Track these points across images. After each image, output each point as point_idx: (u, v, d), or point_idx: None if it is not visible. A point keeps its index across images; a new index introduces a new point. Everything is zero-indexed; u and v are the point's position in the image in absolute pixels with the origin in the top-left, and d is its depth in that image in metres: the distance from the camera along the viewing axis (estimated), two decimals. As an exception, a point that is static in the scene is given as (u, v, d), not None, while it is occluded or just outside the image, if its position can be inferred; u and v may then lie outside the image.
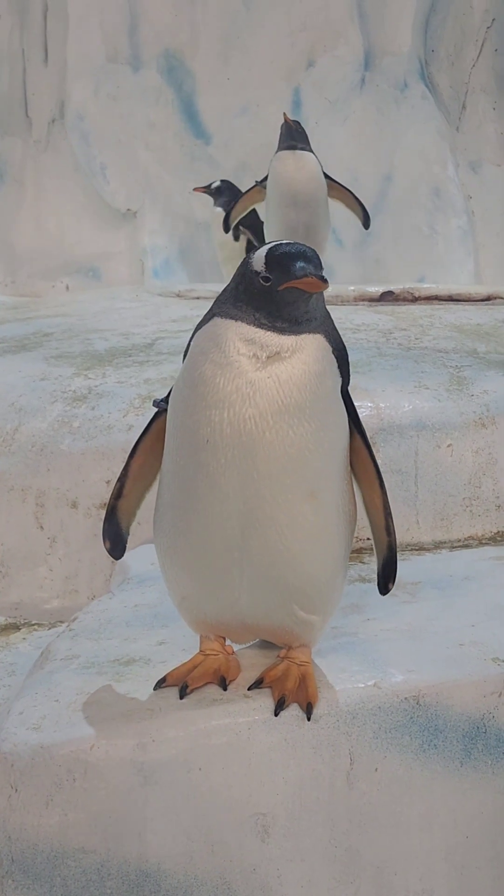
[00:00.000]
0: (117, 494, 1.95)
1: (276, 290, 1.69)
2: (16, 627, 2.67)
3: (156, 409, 1.89)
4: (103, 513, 2.74)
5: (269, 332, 1.71)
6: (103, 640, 2.14)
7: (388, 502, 1.87)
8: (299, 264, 1.67)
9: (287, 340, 1.71)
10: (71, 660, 2.06)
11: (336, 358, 1.78)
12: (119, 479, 1.94)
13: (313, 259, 1.70)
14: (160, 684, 1.90)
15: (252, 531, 1.74)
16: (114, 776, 1.77)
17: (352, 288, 4.96)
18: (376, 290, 4.88)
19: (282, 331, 1.72)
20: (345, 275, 6.44)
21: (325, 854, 1.86)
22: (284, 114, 5.26)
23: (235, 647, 1.98)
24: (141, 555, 2.61)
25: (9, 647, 2.55)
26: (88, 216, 6.60)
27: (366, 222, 5.45)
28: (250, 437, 1.70)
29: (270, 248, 1.72)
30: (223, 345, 1.72)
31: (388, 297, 4.90)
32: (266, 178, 5.34)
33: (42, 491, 2.81)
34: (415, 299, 4.78)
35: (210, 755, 1.80)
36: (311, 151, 5.23)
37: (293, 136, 5.14)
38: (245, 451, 1.70)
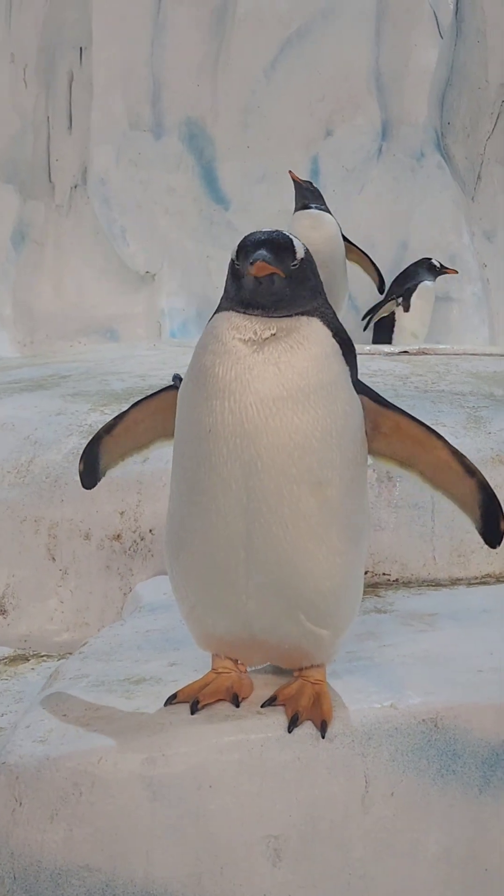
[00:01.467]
0: (107, 429, 1.97)
1: (243, 276, 1.70)
2: (24, 658, 2.62)
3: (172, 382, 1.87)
4: (116, 544, 2.75)
5: (258, 317, 1.71)
6: (114, 662, 2.10)
7: (454, 447, 1.81)
8: (257, 252, 1.67)
9: (281, 322, 1.70)
10: (80, 679, 2.02)
11: (338, 344, 1.76)
12: (114, 418, 1.96)
13: (276, 244, 1.69)
14: (171, 700, 1.86)
15: (256, 526, 1.70)
16: (121, 791, 1.72)
17: (367, 348, 4.98)
18: (392, 350, 4.90)
19: (269, 314, 1.70)
20: (360, 339, 6.49)
21: (339, 881, 1.80)
22: (290, 172, 5.32)
23: (249, 669, 1.93)
24: (154, 586, 2.59)
25: (17, 677, 2.50)
26: (108, 278, 6.69)
27: (380, 287, 5.51)
28: (252, 424, 1.67)
29: (243, 237, 1.74)
30: (220, 335, 1.72)
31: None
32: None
33: (55, 522, 2.79)
34: (430, 358, 4.80)
35: (221, 772, 1.75)
36: (328, 211, 5.28)
37: (305, 196, 5.21)
38: (248, 439, 1.67)
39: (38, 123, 7.01)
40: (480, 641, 2.18)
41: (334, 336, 1.76)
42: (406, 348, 4.98)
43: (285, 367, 1.68)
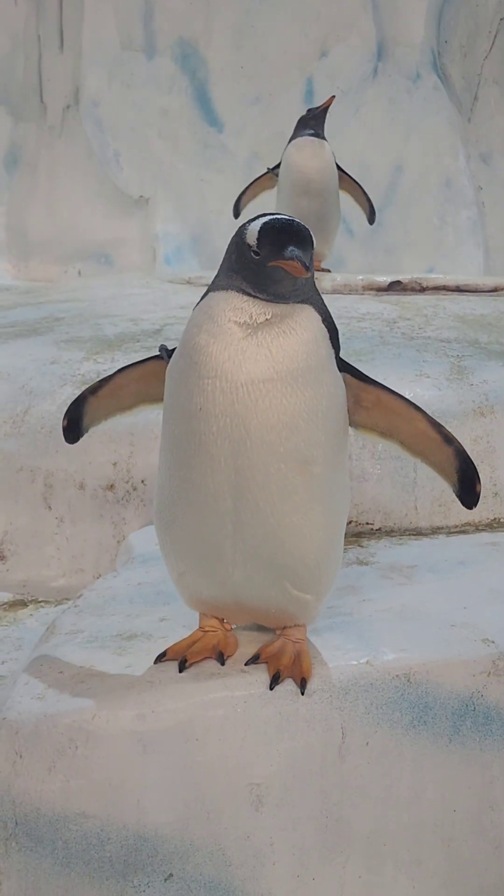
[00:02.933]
0: (92, 390, 2.04)
1: (264, 265, 1.73)
2: (23, 604, 2.74)
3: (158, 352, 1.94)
4: (110, 494, 2.85)
5: (259, 301, 1.76)
6: (107, 616, 2.21)
7: (432, 418, 1.91)
8: (290, 248, 1.69)
9: (277, 308, 1.76)
10: (75, 634, 2.13)
11: (327, 328, 1.83)
12: (99, 381, 2.04)
13: (305, 240, 1.71)
14: (160, 658, 1.97)
15: (244, 503, 1.78)
16: (114, 745, 1.84)
17: (360, 277, 5.02)
18: (384, 279, 4.94)
19: (271, 300, 1.76)
20: (354, 264, 6.50)
21: (317, 824, 1.93)
22: (332, 97, 5.26)
23: (233, 627, 2.05)
24: (145, 535, 2.69)
25: (16, 623, 2.62)
26: (101, 203, 6.67)
27: (371, 217, 5.50)
28: (243, 404, 1.74)
29: (264, 224, 1.74)
30: (216, 316, 1.77)
31: (395, 287, 4.96)
32: (278, 166, 5.39)
33: (50, 472, 2.89)
34: (422, 289, 4.84)
35: (207, 726, 1.87)
36: (325, 139, 5.26)
37: (317, 125, 5.17)
38: (237, 419, 1.74)
39: (28, 43, 6.92)
40: (456, 596, 2.29)
41: (324, 322, 1.82)
42: (399, 278, 5.02)
43: (277, 351, 1.75)
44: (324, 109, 5.16)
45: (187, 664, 1.94)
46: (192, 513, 1.83)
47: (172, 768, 1.86)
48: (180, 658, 1.95)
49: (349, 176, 5.48)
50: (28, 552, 2.89)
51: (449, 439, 1.92)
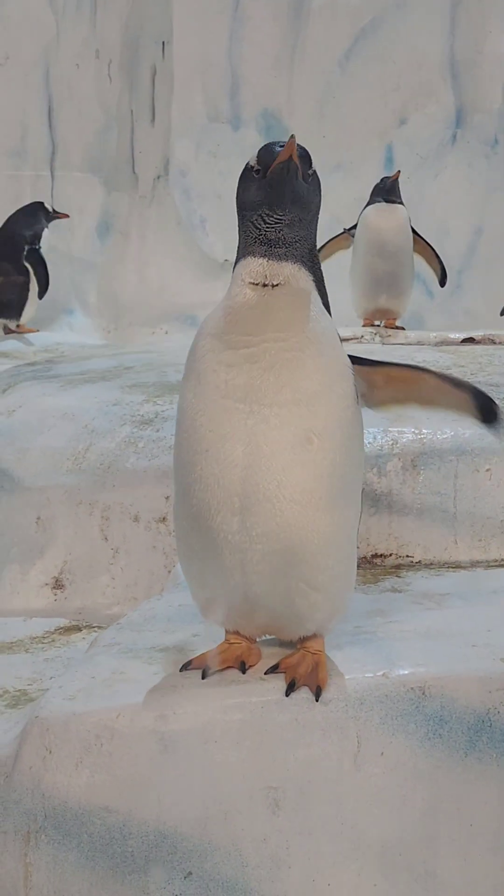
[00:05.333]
0: None
1: (266, 176, 1.86)
2: (77, 629, 2.89)
3: None
4: (162, 526, 2.99)
5: (263, 261, 1.88)
6: (144, 632, 2.34)
7: (439, 372, 2.02)
8: (278, 147, 1.85)
9: (282, 268, 1.86)
10: (112, 646, 2.27)
11: (320, 295, 1.94)
12: None
13: (298, 148, 1.84)
14: (186, 667, 2.08)
15: (250, 481, 1.86)
16: (136, 743, 1.95)
17: (433, 334, 5.13)
18: (457, 336, 5.03)
19: (273, 258, 1.86)
20: (434, 325, 6.62)
21: (332, 830, 2.00)
22: (399, 172, 5.47)
23: (258, 640, 2.15)
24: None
25: (69, 645, 2.76)
26: (188, 267, 6.95)
27: (442, 280, 5.64)
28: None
29: (262, 147, 1.91)
30: (233, 283, 1.92)
31: (469, 343, 5.05)
32: (354, 227, 5.58)
33: (107, 505, 3.05)
34: (496, 345, 4.93)
35: (225, 729, 1.97)
36: (403, 204, 5.44)
37: (392, 192, 5.36)
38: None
39: (122, 117, 7.30)
40: (482, 619, 2.35)
41: (314, 281, 1.93)
42: (472, 334, 5.11)
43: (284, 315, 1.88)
44: (394, 180, 5.36)
45: (210, 672, 2.04)
46: (202, 489, 1.90)
47: (191, 769, 1.96)
48: (204, 666, 2.06)
49: (423, 239, 5.63)
50: (85, 581, 3.04)
51: (459, 384, 2.04)
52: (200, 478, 1.90)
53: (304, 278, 1.90)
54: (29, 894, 1.99)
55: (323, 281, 1.96)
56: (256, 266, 1.88)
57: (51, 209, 6.74)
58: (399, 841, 2.03)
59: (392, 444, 2.92)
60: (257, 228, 1.89)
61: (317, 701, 1.98)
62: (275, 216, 1.87)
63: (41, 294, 6.41)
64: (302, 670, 2.02)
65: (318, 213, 1.95)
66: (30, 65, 7.32)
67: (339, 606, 2.05)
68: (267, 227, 1.88)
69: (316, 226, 1.95)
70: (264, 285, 1.87)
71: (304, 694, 2.00)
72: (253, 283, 1.88)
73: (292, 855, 1.99)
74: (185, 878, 1.97)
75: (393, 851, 2.03)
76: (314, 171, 1.91)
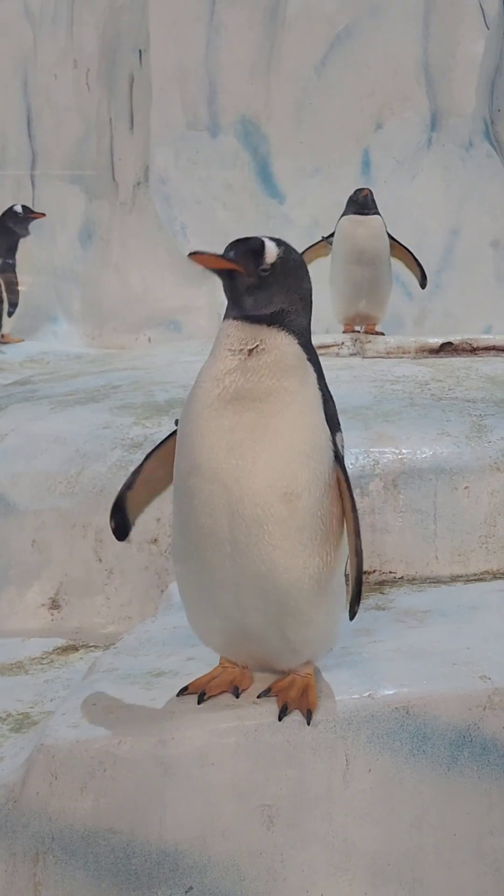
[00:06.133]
0: (127, 486, 2.25)
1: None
2: (74, 649, 2.99)
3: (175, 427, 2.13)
4: (154, 547, 3.10)
5: (241, 325, 1.96)
6: (140, 656, 2.45)
7: (358, 526, 2.05)
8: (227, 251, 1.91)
9: (259, 332, 1.95)
10: (111, 672, 2.37)
11: (309, 361, 2.01)
12: (131, 475, 2.25)
13: (239, 245, 1.91)
14: (182, 692, 2.19)
15: (238, 540, 1.97)
16: (138, 767, 2.07)
17: (412, 339, 5.24)
18: (436, 341, 5.14)
19: (249, 322, 1.95)
20: (413, 326, 6.75)
21: (324, 843, 2.12)
22: (368, 189, 5.58)
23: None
24: (184, 584, 2.92)
25: (67, 665, 2.87)
26: (170, 273, 7.04)
27: (422, 282, 5.74)
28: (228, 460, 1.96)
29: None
30: (215, 347, 2.00)
31: (447, 348, 5.17)
32: (332, 235, 5.68)
33: (101, 528, 3.15)
34: (473, 350, 5.05)
35: (222, 752, 2.08)
36: (379, 214, 5.54)
37: (365, 205, 5.46)
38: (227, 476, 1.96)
39: (101, 125, 7.39)
40: (462, 637, 2.47)
41: (308, 358, 2.01)
42: (450, 339, 5.22)
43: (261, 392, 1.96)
44: (365, 196, 5.45)
45: (206, 697, 2.15)
46: (194, 526, 2.01)
47: (190, 790, 2.08)
48: (199, 692, 2.17)
49: (400, 244, 5.74)
50: (80, 601, 3.15)
51: (357, 552, 2.06)
52: (193, 521, 2.02)
53: (282, 341, 1.98)
54: (39, 912, 2.11)
55: (308, 336, 2.05)
56: (234, 330, 1.97)
57: (20, 212, 6.82)
58: (388, 851, 2.16)
59: (374, 464, 3.04)
60: (229, 299, 1.99)
61: (308, 724, 2.10)
62: (238, 311, 1.97)
63: (10, 311, 6.53)
64: (293, 694, 2.13)
65: (298, 288, 2.00)
66: (8, 75, 7.41)
67: (329, 639, 2.17)
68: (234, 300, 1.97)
69: (301, 295, 2.00)
70: (240, 350, 1.96)
71: (294, 716, 2.11)
72: (230, 350, 1.97)
73: (287, 868, 2.11)
74: (185, 892, 2.09)
75: (382, 861, 2.15)
76: (273, 264, 1.94)
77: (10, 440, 3.46)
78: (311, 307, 2.05)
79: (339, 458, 2.03)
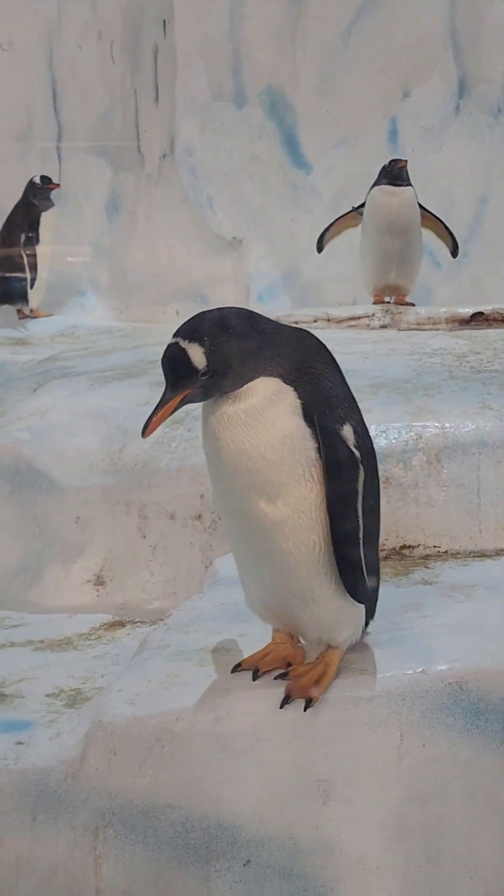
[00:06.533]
0: None
1: None
2: (121, 624, 3.02)
3: None
4: (198, 523, 3.12)
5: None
6: (192, 633, 2.47)
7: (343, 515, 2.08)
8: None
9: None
10: (163, 648, 2.40)
11: (293, 389, 2.01)
12: None
13: (168, 370, 1.99)
14: (236, 668, 2.22)
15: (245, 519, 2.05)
16: (195, 744, 2.09)
17: (443, 310, 5.22)
18: (467, 311, 5.13)
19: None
20: (442, 295, 6.70)
21: (379, 817, 2.15)
22: (406, 161, 5.53)
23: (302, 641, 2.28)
24: (229, 560, 2.92)
25: (114, 641, 2.90)
26: (197, 245, 7.03)
27: (454, 251, 5.71)
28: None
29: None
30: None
31: (478, 318, 5.15)
32: (363, 206, 5.65)
33: (144, 504, 3.17)
34: (505, 319, 5.04)
35: (277, 728, 2.11)
36: (411, 186, 5.50)
37: (399, 177, 5.43)
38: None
39: (126, 98, 7.34)
40: (510, 611, 2.49)
41: (287, 384, 2.00)
42: (481, 308, 5.20)
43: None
44: (401, 168, 5.41)
45: (260, 673, 2.18)
46: (228, 527, 2.14)
47: (246, 766, 2.10)
48: (254, 668, 2.20)
49: (431, 213, 5.70)
50: (125, 578, 3.17)
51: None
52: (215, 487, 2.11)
53: (266, 388, 1.98)
54: (99, 884, 2.14)
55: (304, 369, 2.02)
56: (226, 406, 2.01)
57: (38, 183, 6.82)
58: (441, 826, 2.18)
59: (417, 438, 3.04)
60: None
61: (304, 711, 2.09)
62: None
63: (32, 282, 6.56)
64: (303, 682, 2.13)
65: (247, 340, 1.97)
66: (33, 48, 7.36)
67: (345, 623, 2.15)
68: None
69: (253, 343, 1.98)
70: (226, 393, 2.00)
71: (349, 692, 2.14)
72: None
73: (343, 842, 2.14)
74: (243, 865, 2.12)
75: (436, 835, 2.18)
76: (208, 362, 1.94)
77: (50, 417, 3.48)
78: (269, 338, 2.02)
79: (329, 448, 2.01)
